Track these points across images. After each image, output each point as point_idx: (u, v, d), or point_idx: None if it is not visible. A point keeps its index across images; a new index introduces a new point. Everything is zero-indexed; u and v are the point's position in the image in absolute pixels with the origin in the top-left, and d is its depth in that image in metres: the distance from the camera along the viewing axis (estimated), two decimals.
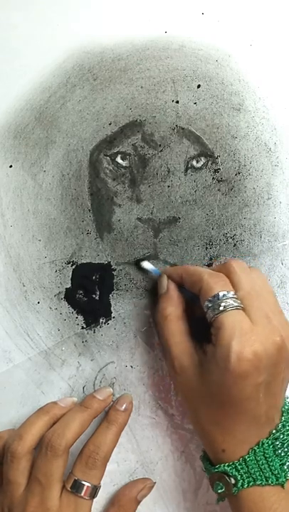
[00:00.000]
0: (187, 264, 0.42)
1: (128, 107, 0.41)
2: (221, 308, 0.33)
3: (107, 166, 0.41)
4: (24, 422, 0.39)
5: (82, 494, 0.36)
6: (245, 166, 0.42)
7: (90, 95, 0.41)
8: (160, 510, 0.41)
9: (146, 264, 0.41)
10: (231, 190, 0.42)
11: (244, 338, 0.32)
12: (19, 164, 0.41)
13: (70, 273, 0.41)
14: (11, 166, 0.41)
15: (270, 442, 0.34)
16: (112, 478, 0.41)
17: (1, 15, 0.41)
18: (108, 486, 0.41)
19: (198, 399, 0.35)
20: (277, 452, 0.34)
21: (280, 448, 0.35)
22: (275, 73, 0.43)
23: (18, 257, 0.41)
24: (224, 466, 0.34)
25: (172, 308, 0.38)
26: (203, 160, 0.42)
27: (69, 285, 0.41)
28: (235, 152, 0.42)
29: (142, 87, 0.41)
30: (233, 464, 0.34)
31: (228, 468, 0.34)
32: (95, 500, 0.38)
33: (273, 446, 0.34)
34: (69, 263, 0.41)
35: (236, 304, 0.34)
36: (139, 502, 0.40)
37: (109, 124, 0.41)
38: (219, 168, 0.42)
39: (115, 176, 0.41)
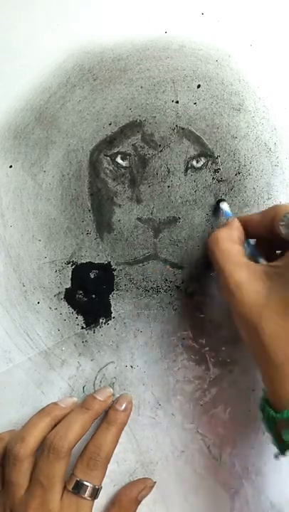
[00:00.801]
0: None
1: (128, 107, 0.41)
2: None
3: (107, 166, 0.41)
4: (26, 424, 0.39)
5: (84, 495, 0.36)
6: (245, 166, 0.42)
7: (90, 95, 0.41)
8: (160, 510, 0.41)
9: (225, 206, 0.41)
10: (231, 190, 0.42)
11: None
12: (19, 164, 0.41)
13: (70, 273, 0.41)
14: (11, 166, 0.41)
15: None
16: (112, 478, 0.41)
17: (1, 15, 0.41)
18: (108, 486, 0.41)
19: (265, 316, 0.31)
20: None
21: None
22: (275, 73, 0.43)
23: (18, 257, 0.41)
24: None
25: (227, 232, 0.36)
26: (203, 160, 0.42)
27: (69, 285, 0.41)
28: (235, 152, 0.42)
29: (141, 87, 0.41)
30: None
31: None
32: (95, 500, 0.38)
33: None
34: (69, 263, 0.41)
35: None
36: (139, 502, 0.40)
37: (109, 124, 0.41)
38: (219, 168, 0.42)
39: (115, 176, 0.41)
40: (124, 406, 0.40)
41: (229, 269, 0.34)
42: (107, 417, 0.39)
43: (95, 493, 0.37)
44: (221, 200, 0.41)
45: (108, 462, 0.38)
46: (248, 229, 0.37)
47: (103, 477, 0.38)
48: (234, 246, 0.35)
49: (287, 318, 0.30)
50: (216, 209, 0.42)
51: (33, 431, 0.38)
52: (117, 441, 0.39)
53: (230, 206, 0.42)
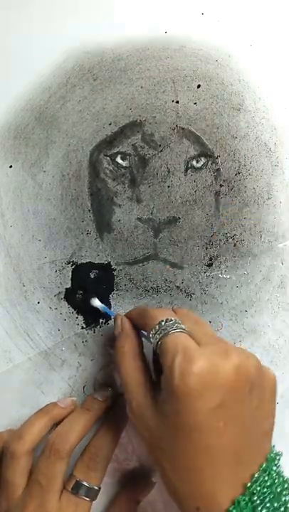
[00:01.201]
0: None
1: (128, 107, 0.41)
2: (164, 332, 0.31)
3: (107, 166, 0.41)
4: (24, 423, 0.39)
5: (83, 495, 0.36)
6: (245, 166, 0.42)
7: (90, 95, 0.41)
8: (160, 511, 0.41)
9: (96, 302, 0.40)
10: (231, 190, 0.42)
11: (188, 353, 0.29)
12: (19, 164, 0.41)
13: (70, 273, 0.41)
14: (11, 166, 0.41)
15: (246, 499, 0.28)
16: (112, 479, 0.41)
17: (1, 15, 0.41)
18: (108, 486, 0.41)
19: (158, 443, 0.31)
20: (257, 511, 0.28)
21: (259, 505, 0.28)
22: (275, 73, 0.43)
23: (18, 257, 0.41)
24: None
25: (129, 344, 0.35)
26: (203, 160, 0.42)
27: (69, 285, 0.41)
28: (235, 152, 0.42)
29: (142, 87, 0.41)
30: None
31: None
32: (94, 501, 0.38)
33: (251, 503, 0.28)
34: (69, 263, 0.41)
35: (180, 327, 0.32)
36: (139, 502, 0.40)
37: (109, 125, 0.41)
38: (219, 168, 0.42)
39: (115, 176, 0.41)
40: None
41: (132, 390, 0.33)
42: (107, 418, 0.39)
43: (94, 494, 0.37)
44: (92, 298, 0.40)
45: (108, 463, 0.38)
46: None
47: (103, 478, 0.38)
48: (135, 363, 0.34)
49: (178, 442, 0.29)
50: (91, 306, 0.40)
51: (30, 429, 0.38)
52: (117, 442, 0.39)
53: (230, 206, 0.42)
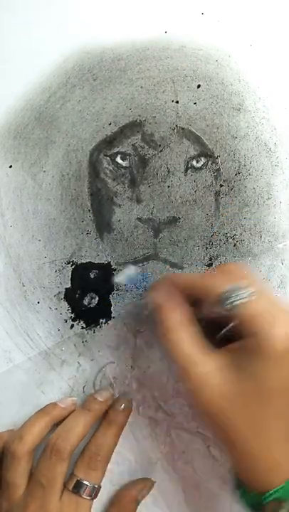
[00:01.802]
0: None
1: (128, 107, 0.41)
2: (241, 298, 0.30)
3: (107, 166, 0.41)
4: (24, 423, 0.39)
5: (84, 494, 0.37)
6: (245, 166, 0.42)
7: (89, 95, 0.41)
8: (160, 511, 0.41)
9: (131, 270, 0.39)
10: (231, 190, 0.42)
11: (281, 317, 0.29)
12: (19, 164, 0.41)
13: (70, 273, 0.41)
14: (10, 166, 0.41)
15: None
16: (111, 478, 0.41)
17: (1, 15, 0.41)
18: (108, 486, 0.41)
19: (230, 408, 0.30)
20: None
21: None
22: (275, 73, 0.43)
23: (18, 257, 0.41)
24: (280, 489, 0.28)
25: (172, 316, 0.33)
26: (203, 160, 0.42)
27: (69, 285, 0.41)
28: (235, 152, 0.42)
29: (141, 87, 0.41)
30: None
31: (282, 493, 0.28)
32: (94, 500, 0.38)
33: None
34: (69, 263, 0.41)
35: (251, 292, 0.31)
36: (139, 502, 0.40)
37: (109, 124, 0.41)
38: (219, 168, 0.42)
39: (115, 176, 0.41)
40: (123, 406, 0.40)
41: (184, 365, 0.31)
42: (107, 417, 0.39)
43: (95, 493, 0.37)
44: (127, 267, 0.39)
45: (108, 462, 0.38)
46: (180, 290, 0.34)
47: (103, 476, 0.38)
48: (184, 334, 0.32)
49: (254, 408, 0.29)
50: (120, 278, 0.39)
51: (31, 430, 0.38)
52: (117, 441, 0.39)
53: (230, 206, 0.42)
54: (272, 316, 0.30)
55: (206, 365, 0.31)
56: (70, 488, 0.36)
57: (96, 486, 0.37)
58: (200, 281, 0.33)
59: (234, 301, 0.30)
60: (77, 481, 0.37)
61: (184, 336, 0.32)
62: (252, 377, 0.29)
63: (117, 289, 0.42)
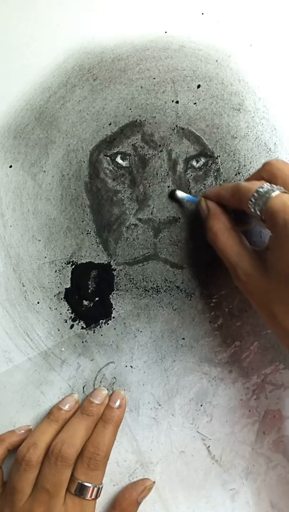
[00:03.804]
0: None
1: (128, 107, 0.41)
2: (266, 197, 0.32)
3: (107, 166, 0.41)
4: (36, 431, 0.39)
5: (87, 496, 0.37)
6: (245, 166, 0.42)
7: (89, 95, 0.41)
8: (160, 511, 0.41)
9: (181, 194, 0.40)
10: None
11: None
12: (19, 164, 0.41)
13: (70, 273, 0.41)
14: (10, 166, 0.41)
15: None
16: (112, 479, 0.41)
17: (1, 15, 0.41)
18: (108, 486, 0.41)
19: (273, 299, 0.33)
20: None
21: None
22: (275, 73, 0.43)
23: (18, 257, 0.41)
24: None
25: (219, 222, 0.37)
26: (203, 160, 0.42)
27: (69, 285, 0.41)
28: (235, 152, 0.42)
29: (141, 88, 0.41)
30: None
31: None
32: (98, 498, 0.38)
33: None
34: (69, 263, 0.41)
35: (279, 189, 0.33)
36: (139, 504, 0.40)
37: (109, 125, 0.41)
38: (219, 168, 0.42)
39: (115, 176, 0.41)
40: (118, 403, 0.40)
41: (235, 261, 0.35)
42: (102, 416, 0.39)
43: (97, 493, 0.37)
44: (173, 191, 0.41)
45: (107, 460, 0.38)
46: (220, 203, 0.38)
47: (104, 475, 0.38)
48: (231, 235, 0.36)
49: None
50: (174, 199, 0.41)
51: (43, 437, 0.38)
52: (114, 439, 0.39)
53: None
54: (288, 209, 0.31)
55: (250, 263, 0.34)
56: (73, 491, 0.36)
57: (98, 486, 0.37)
58: (236, 187, 0.35)
59: (259, 202, 0.33)
60: (80, 484, 0.37)
61: (229, 237, 0.36)
62: (284, 268, 0.31)
63: (117, 289, 0.42)
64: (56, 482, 0.36)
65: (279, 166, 0.35)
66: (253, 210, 0.33)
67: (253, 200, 0.33)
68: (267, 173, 0.35)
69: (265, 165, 0.36)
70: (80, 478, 0.37)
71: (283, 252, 0.31)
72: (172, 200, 0.41)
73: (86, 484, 0.37)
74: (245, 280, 0.35)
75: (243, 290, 0.35)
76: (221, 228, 0.37)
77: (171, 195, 0.41)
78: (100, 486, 0.38)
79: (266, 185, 0.33)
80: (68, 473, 0.37)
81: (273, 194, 0.32)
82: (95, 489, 0.37)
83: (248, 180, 0.37)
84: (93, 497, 0.37)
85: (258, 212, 0.33)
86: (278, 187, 0.33)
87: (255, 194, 0.33)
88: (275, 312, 0.33)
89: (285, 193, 0.33)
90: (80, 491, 0.37)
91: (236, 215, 0.38)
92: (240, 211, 0.36)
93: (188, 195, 0.41)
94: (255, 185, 0.34)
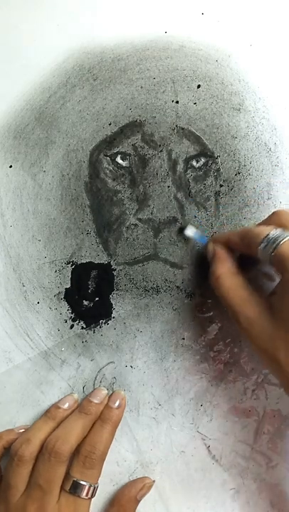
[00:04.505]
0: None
1: (128, 107, 0.41)
2: (276, 242, 0.33)
3: (107, 166, 0.41)
4: (31, 427, 0.39)
5: (82, 495, 0.37)
6: (245, 166, 0.42)
7: (89, 95, 0.41)
8: (160, 511, 0.41)
9: (190, 231, 0.41)
10: (231, 190, 0.42)
11: None
12: (19, 164, 0.41)
13: (70, 273, 0.41)
14: (10, 166, 0.41)
15: None
16: (112, 478, 0.41)
17: (1, 15, 0.41)
18: (108, 486, 0.41)
19: (278, 346, 0.33)
20: None
21: None
22: (275, 73, 0.43)
23: (17, 257, 0.41)
24: None
25: (224, 266, 0.37)
26: (203, 160, 0.42)
27: (69, 285, 0.41)
28: (235, 152, 0.42)
29: (141, 87, 0.41)
30: None
31: None
32: (94, 500, 0.38)
33: None
34: (69, 263, 0.41)
35: (285, 235, 0.33)
36: (138, 502, 0.40)
37: (109, 125, 0.41)
38: (219, 168, 0.42)
39: (115, 176, 0.41)
40: (117, 403, 0.40)
41: (237, 307, 0.35)
42: (101, 415, 0.40)
43: (92, 492, 0.37)
44: (183, 227, 0.41)
45: (104, 460, 0.38)
46: (229, 247, 0.38)
47: (99, 475, 0.38)
48: (235, 280, 0.36)
49: None
50: (182, 233, 0.41)
51: (39, 434, 0.38)
52: (112, 439, 0.39)
53: (230, 206, 0.42)
54: None
55: (253, 309, 0.34)
56: (68, 489, 0.36)
57: (93, 485, 0.37)
58: (246, 233, 0.36)
59: (269, 247, 0.33)
60: (75, 481, 0.37)
61: (233, 282, 0.36)
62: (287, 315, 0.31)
63: (117, 289, 0.42)
64: (49, 478, 0.36)
65: (288, 216, 0.36)
66: (262, 254, 0.34)
67: (264, 244, 0.33)
68: (276, 221, 0.36)
69: (274, 214, 0.36)
70: (75, 476, 0.37)
71: None
72: (179, 235, 0.41)
73: (81, 482, 0.37)
74: (247, 327, 0.34)
75: (247, 336, 0.35)
76: (224, 272, 0.37)
77: (180, 231, 0.41)
78: (96, 486, 0.38)
79: (278, 231, 0.33)
80: (62, 470, 0.36)
81: (283, 240, 0.32)
82: (91, 488, 0.37)
83: (258, 225, 0.37)
84: (88, 496, 0.37)
85: (268, 257, 0.33)
86: (285, 232, 0.33)
87: (266, 239, 0.33)
88: (280, 359, 0.32)
89: None
90: (75, 488, 0.36)
91: (242, 260, 0.38)
92: (246, 257, 0.37)
93: (198, 234, 0.41)
94: (265, 230, 0.34)
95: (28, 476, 0.37)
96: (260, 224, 0.38)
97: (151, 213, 0.41)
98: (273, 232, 0.33)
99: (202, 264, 0.42)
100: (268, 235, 0.34)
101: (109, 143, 0.41)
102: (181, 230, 0.41)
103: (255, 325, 0.34)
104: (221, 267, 0.37)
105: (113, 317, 0.41)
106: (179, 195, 0.41)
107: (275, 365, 0.33)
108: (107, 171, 0.41)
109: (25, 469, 0.37)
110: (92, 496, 0.37)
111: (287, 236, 0.33)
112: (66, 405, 0.40)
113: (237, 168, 0.42)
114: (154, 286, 0.42)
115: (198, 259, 0.42)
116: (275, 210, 0.37)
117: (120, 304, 0.42)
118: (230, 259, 0.38)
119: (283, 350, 0.32)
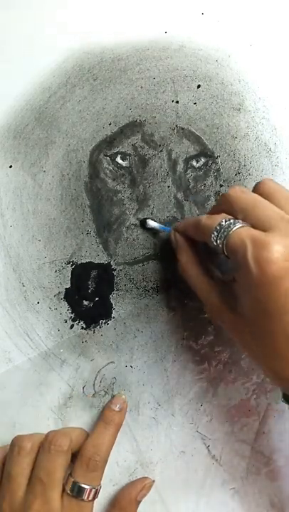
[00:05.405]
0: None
1: (128, 107, 0.41)
2: (226, 232, 0.31)
3: (107, 166, 0.41)
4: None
5: (85, 498, 0.36)
6: (245, 166, 0.42)
7: (89, 95, 0.41)
8: (160, 511, 0.41)
9: (152, 223, 0.41)
10: None
11: (258, 243, 0.29)
12: (19, 164, 0.41)
13: (70, 273, 0.41)
14: (10, 166, 0.41)
15: None
16: (111, 479, 0.41)
17: (1, 15, 0.41)
18: (108, 486, 0.41)
19: (245, 333, 0.33)
20: None
21: None
22: (275, 73, 0.43)
23: (17, 257, 0.41)
24: None
25: (186, 256, 0.37)
26: (203, 160, 0.42)
27: (69, 285, 0.41)
28: (235, 152, 0.42)
29: (141, 87, 0.41)
30: None
31: None
32: (95, 500, 0.38)
33: None
34: (69, 263, 0.41)
35: (239, 223, 0.31)
36: (139, 502, 0.40)
37: (109, 125, 0.41)
38: (219, 168, 0.42)
39: (115, 176, 0.41)
40: (119, 406, 0.40)
41: (201, 296, 0.36)
42: (103, 418, 0.40)
43: (95, 494, 0.37)
44: (144, 220, 0.41)
45: (106, 462, 0.38)
46: (189, 235, 0.38)
47: (102, 476, 0.38)
48: (195, 269, 0.37)
49: (260, 337, 0.32)
50: (145, 227, 0.41)
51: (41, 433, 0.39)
52: (114, 441, 0.39)
53: None
54: (246, 245, 0.30)
55: (216, 296, 0.35)
56: (71, 492, 0.36)
57: (96, 488, 0.37)
58: (196, 225, 0.35)
59: (220, 237, 0.32)
60: (78, 485, 0.37)
61: (194, 272, 0.37)
62: (251, 303, 0.31)
63: (117, 289, 0.42)
64: (50, 470, 0.36)
65: (237, 196, 0.33)
66: (215, 245, 0.33)
67: (214, 236, 0.32)
68: (225, 205, 0.34)
69: (223, 197, 0.34)
70: (78, 480, 0.37)
71: (246, 288, 0.31)
72: (144, 230, 0.41)
73: (84, 486, 0.37)
74: (216, 313, 0.35)
75: (218, 323, 0.36)
76: (186, 261, 0.37)
77: (142, 224, 0.41)
78: (98, 488, 0.38)
79: (224, 221, 0.32)
80: (63, 462, 0.36)
81: (232, 230, 0.31)
82: (93, 490, 0.37)
83: (209, 213, 0.36)
84: (90, 498, 0.37)
85: (220, 248, 0.32)
86: (237, 220, 0.32)
87: (215, 231, 0.32)
88: (253, 349, 0.33)
89: (244, 226, 0.31)
90: (78, 492, 0.36)
91: (207, 245, 0.37)
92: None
93: (161, 225, 0.41)
94: (214, 220, 0.33)
95: (29, 469, 0.37)
96: (210, 211, 0.36)
97: (151, 213, 0.41)
98: (222, 222, 0.32)
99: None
100: (215, 228, 0.32)
101: (109, 143, 0.41)
102: (143, 222, 0.41)
103: (221, 312, 0.34)
104: (184, 257, 0.38)
105: (113, 317, 0.41)
106: (179, 195, 0.41)
107: (246, 348, 0.34)
108: (107, 171, 0.41)
109: (25, 458, 0.37)
110: (95, 497, 0.37)
111: (236, 225, 0.31)
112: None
113: (237, 168, 0.42)
114: (154, 286, 0.42)
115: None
116: (223, 193, 0.37)
117: (120, 304, 0.42)
118: (192, 248, 0.38)
119: (248, 334, 0.32)
